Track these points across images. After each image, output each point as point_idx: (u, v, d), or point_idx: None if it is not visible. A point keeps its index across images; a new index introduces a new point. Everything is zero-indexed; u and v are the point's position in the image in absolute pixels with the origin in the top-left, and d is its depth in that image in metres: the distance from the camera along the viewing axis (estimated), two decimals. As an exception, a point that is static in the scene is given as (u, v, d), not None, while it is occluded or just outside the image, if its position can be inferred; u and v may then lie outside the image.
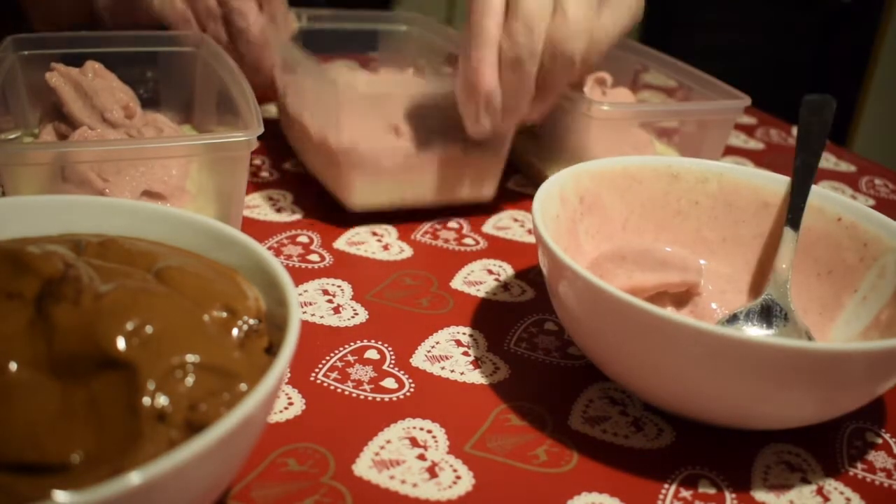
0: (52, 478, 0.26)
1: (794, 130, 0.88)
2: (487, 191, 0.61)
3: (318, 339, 0.45)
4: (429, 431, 0.39)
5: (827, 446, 0.40)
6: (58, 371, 0.29)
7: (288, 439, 0.37)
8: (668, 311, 0.34)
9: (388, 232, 0.57)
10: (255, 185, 0.63)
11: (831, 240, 0.47)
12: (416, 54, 0.72)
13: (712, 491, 0.37)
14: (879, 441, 0.41)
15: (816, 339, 0.45)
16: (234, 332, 0.33)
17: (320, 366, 0.43)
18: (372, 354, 0.44)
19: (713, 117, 0.64)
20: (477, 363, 0.44)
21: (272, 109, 0.76)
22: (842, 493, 0.38)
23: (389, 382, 0.42)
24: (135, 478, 0.23)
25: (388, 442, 0.38)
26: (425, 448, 0.38)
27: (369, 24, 0.71)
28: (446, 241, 0.57)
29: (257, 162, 0.66)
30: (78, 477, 0.26)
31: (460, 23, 0.82)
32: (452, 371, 0.43)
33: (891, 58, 1.73)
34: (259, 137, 0.47)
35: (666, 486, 0.37)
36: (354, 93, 0.53)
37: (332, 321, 0.47)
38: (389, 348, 0.45)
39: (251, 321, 0.33)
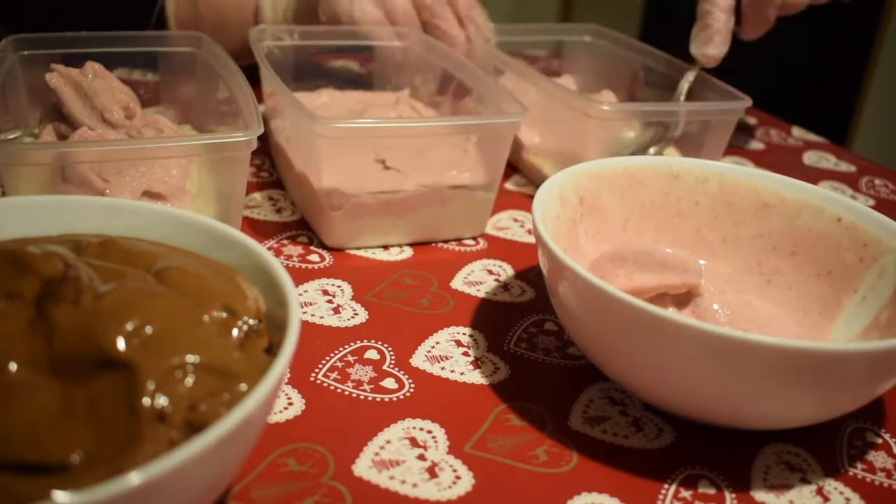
0: (52, 478, 0.26)
1: (794, 130, 0.88)
2: (476, 229, 0.58)
3: (318, 339, 0.45)
4: (429, 431, 0.39)
5: (827, 446, 0.40)
6: (58, 371, 0.29)
7: (288, 439, 0.37)
8: (669, 312, 0.34)
9: (388, 232, 0.57)
10: (255, 185, 0.63)
11: (831, 240, 0.47)
12: (412, 72, 0.71)
13: (712, 491, 0.37)
14: (879, 441, 0.41)
15: (816, 340, 0.45)
16: (234, 332, 0.33)
17: (320, 366, 0.43)
18: (372, 354, 0.44)
19: (715, 118, 0.64)
20: (477, 363, 0.44)
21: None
22: (841, 493, 0.38)
23: (389, 382, 0.42)
24: (135, 478, 0.23)
25: (388, 442, 0.38)
26: (425, 448, 0.38)
27: (364, 40, 0.71)
28: (445, 240, 0.57)
29: (257, 162, 0.66)
30: (78, 477, 0.26)
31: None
32: (452, 371, 0.43)
33: (891, 58, 1.73)
34: (259, 137, 0.47)
35: (666, 486, 0.37)
36: (333, 130, 0.50)
37: (332, 321, 0.47)
38: (389, 348, 0.45)
39: (251, 321, 0.33)
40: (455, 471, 0.37)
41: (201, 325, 0.32)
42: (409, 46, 0.70)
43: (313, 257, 0.54)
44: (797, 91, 1.42)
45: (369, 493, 0.35)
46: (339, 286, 0.50)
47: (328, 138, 0.50)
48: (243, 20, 0.74)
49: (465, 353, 0.45)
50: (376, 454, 0.37)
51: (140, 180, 0.48)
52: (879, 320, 0.43)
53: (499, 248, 0.57)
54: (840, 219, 0.47)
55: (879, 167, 0.80)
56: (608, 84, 0.75)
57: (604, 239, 0.49)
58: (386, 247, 0.55)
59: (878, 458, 0.40)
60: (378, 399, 0.41)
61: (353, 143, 0.53)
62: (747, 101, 0.62)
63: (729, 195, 0.50)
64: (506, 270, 0.54)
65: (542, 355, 0.45)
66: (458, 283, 0.52)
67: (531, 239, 0.59)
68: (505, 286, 0.52)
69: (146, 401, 0.28)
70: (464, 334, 0.47)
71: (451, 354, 0.45)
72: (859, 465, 0.39)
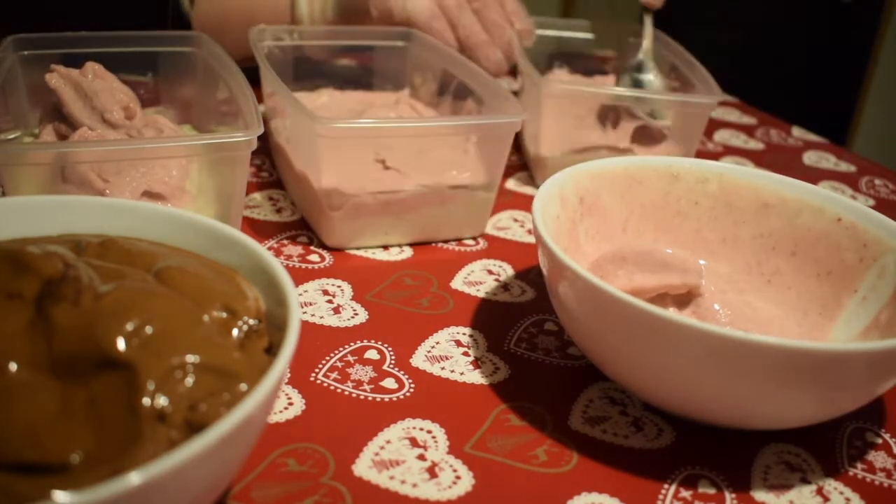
0: (52, 478, 0.26)
1: (794, 130, 0.88)
2: (476, 229, 0.58)
3: (318, 339, 0.45)
4: (429, 431, 0.39)
5: (827, 446, 0.40)
6: (58, 371, 0.29)
7: (288, 439, 0.37)
8: (669, 312, 0.34)
9: (388, 232, 0.57)
10: (255, 185, 0.63)
11: (831, 240, 0.47)
12: (412, 72, 0.71)
13: (712, 491, 0.37)
14: (879, 441, 0.41)
15: (816, 340, 0.45)
16: (234, 332, 0.33)
17: (320, 366, 0.43)
18: (372, 354, 0.44)
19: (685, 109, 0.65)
20: (477, 363, 0.44)
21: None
22: (841, 493, 0.38)
23: (389, 382, 0.42)
24: (135, 478, 0.23)
25: (388, 442, 0.38)
26: (425, 448, 0.38)
27: (365, 40, 0.71)
28: (445, 240, 0.57)
29: (257, 162, 0.66)
30: (78, 477, 0.26)
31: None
32: (452, 371, 0.43)
33: (891, 58, 1.73)
34: (259, 137, 0.47)
35: (666, 486, 0.37)
36: (333, 130, 0.50)
37: (332, 321, 0.47)
38: (389, 348, 0.45)
39: (251, 321, 0.33)
40: (455, 471, 0.37)
41: (201, 325, 0.32)
42: (409, 46, 0.70)
43: (313, 257, 0.54)
44: (797, 91, 1.42)
45: (369, 493, 0.35)
46: (339, 286, 0.50)
47: (328, 138, 0.50)
48: (277, 19, 0.72)
49: (465, 353, 0.45)
50: (376, 454, 0.37)
51: (140, 180, 0.48)
52: (879, 320, 0.43)
53: (499, 248, 0.57)
54: (840, 219, 0.47)
55: (879, 167, 0.80)
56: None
57: (604, 239, 0.49)
58: (386, 247, 0.55)
59: (878, 458, 0.40)
60: (378, 399, 0.41)
61: (354, 143, 0.53)
62: (717, 97, 0.63)
63: (729, 195, 0.50)
64: (506, 270, 0.54)
65: (542, 355, 0.45)
66: (458, 283, 0.52)
67: (531, 239, 0.59)
68: (505, 286, 0.52)
69: (146, 401, 0.28)
70: (464, 334, 0.47)
71: (451, 354, 0.45)
72: (859, 465, 0.39)
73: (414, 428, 0.39)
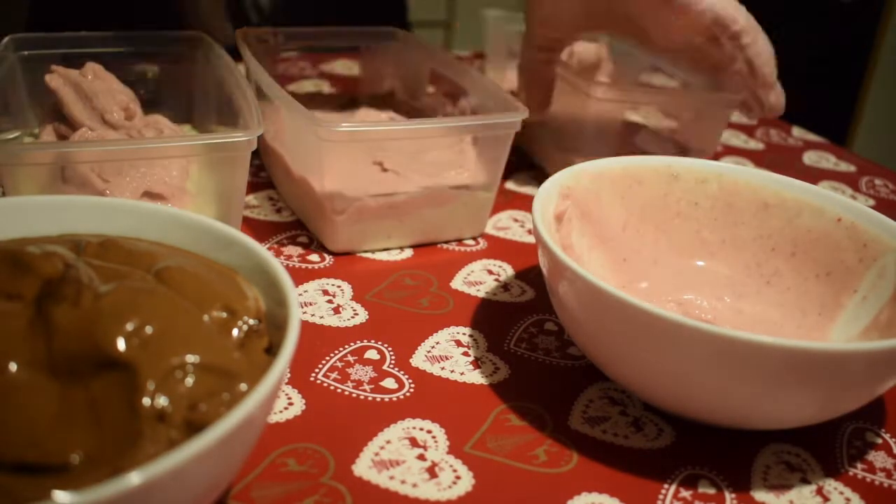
0: (52, 478, 0.26)
1: (794, 130, 0.88)
2: (476, 229, 0.58)
3: (318, 339, 0.45)
4: (429, 431, 0.39)
5: (827, 446, 0.40)
6: (57, 371, 0.29)
7: (288, 439, 0.37)
8: (669, 312, 0.34)
9: (388, 232, 0.57)
10: (255, 185, 0.63)
11: (831, 240, 0.47)
12: (398, 72, 0.70)
13: (712, 491, 0.37)
14: (879, 441, 0.41)
15: (816, 340, 0.45)
16: (234, 332, 0.33)
17: (320, 366, 0.43)
18: (372, 355, 0.44)
19: (709, 107, 0.65)
20: (477, 363, 0.44)
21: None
22: (841, 493, 0.38)
23: (389, 382, 0.42)
24: (135, 478, 0.23)
25: (388, 442, 0.38)
26: (425, 448, 0.38)
27: (350, 40, 0.71)
28: (446, 241, 0.57)
29: (257, 162, 0.66)
30: (78, 477, 0.26)
31: (460, 24, 0.82)
32: (452, 371, 0.43)
33: (891, 58, 1.73)
34: (259, 137, 0.47)
35: (666, 486, 0.37)
36: (336, 134, 0.49)
37: (332, 321, 0.47)
38: (389, 348, 0.45)
39: (251, 321, 0.33)
40: (455, 471, 0.37)
41: (201, 325, 0.32)
42: (394, 46, 0.70)
43: (313, 257, 0.54)
44: (797, 91, 1.42)
45: (369, 493, 0.35)
46: (339, 286, 0.50)
47: (331, 142, 0.50)
48: None
49: (465, 353, 0.45)
50: (376, 454, 0.37)
51: (140, 181, 0.48)
52: (879, 320, 0.43)
53: (499, 248, 0.57)
54: (840, 219, 0.47)
55: (879, 167, 0.80)
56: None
57: (603, 240, 0.49)
58: (386, 247, 0.55)
59: (878, 458, 0.40)
60: (378, 399, 0.41)
61: (355, 146, 0.53)
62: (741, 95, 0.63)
63: (729, 195, 0.50)
64: (506, 270, 0.54)
65: (542, 355, 0.45)
66: (458, 283, 0.52)
67: (531, 239, 0.59)
68: (505, 286, 0.52)
69: (146, 401, 0.28)
70: (464, 334, 0.47)
71: (451, 354, 0.45)
72: (859, 465, 0.39)
73: (414, 428, 0.39)
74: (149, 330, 0.30)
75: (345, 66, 0.83)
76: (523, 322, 0.49)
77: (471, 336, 0.47)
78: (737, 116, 0.91)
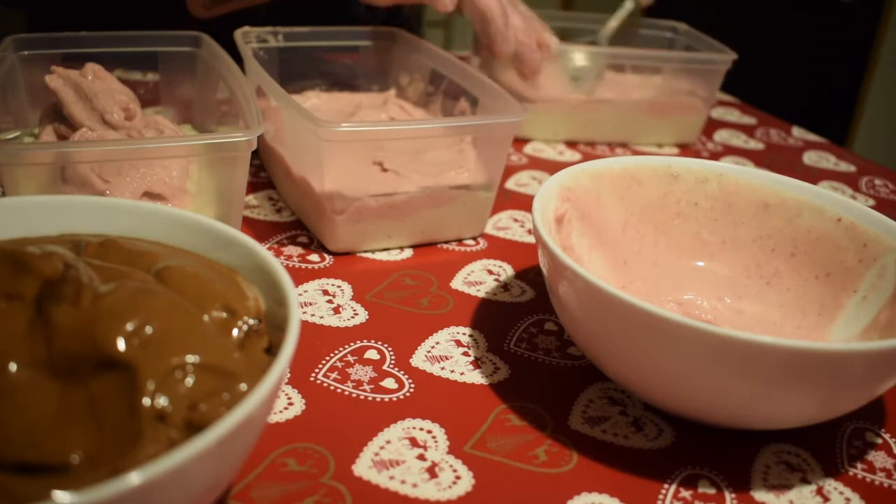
0: (52, 478, 0.26)
1: (794, 130, 0.88)
2: (476, 229, 0.58)
3: (318, 339, 0.45)
4: (429, 431, 0.39)
5: (827, 446, 0.40)
6: (58, 371, 0.29)
7: (288, 439, 0.37)
8: (669, 312, 0.34)
9: (388, 232, 0.57)
10: (255, 185, 0.63)
11: (831, 241, 0.47)
12: (399, 71, 0.70)
13: (712, 491, 0.37)
14: (879, 441, 0.41)
15: (816, 340, 0.45)
16: (234, 332, 0.33)
17: (320, 366, 0.43)
18: (372, 354, 0.44)
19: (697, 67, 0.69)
20: (477, 363, 0.44)
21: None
22: (841, 493, 0.38)
23: (389, 382, 0.42)
24: (135, 478, 0.23)
25: (388, 442, 0.38)
26: (425, 448, 0.38)
27: (350, 40, 0.71)
28: (446, 241, 0.57)
29: (257, 162, 0.66)
30: (78, 477, 0.26)
31: (459, 25, 0.82)
32: (452, 371, 0.43)
33: (891, 58, 1.73)
34: (259, 137, 0.47)
35: (666, 486, 0.37)
36: (336, 134, 0.49)
37: (332, 321, 0.47)
38: (389, 348, 0.45)
39: (251, 321, 0.33)
40: (455, 471, 0.37)
41: (201, 325, 0.32)
42: (394, 46, 0.70)
43: (313, 257, 0.54)
44: (797, 91, 1.42)
45: (369, 493, 0.35)
46: (339, 286, 0.50)
47: (332, 142, 0.50)
48: None
49: (465, 353, 0.45)
50: (376, 454, 0.37)
51: (140, 181, 0.48)
52: (879, 320, 0.43)
53: (499, 248, 0.57)
54: (840, 219, 0.47)
55: (879, 167, 0.80)
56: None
57: (603, 240, 0.49)
58: (386, 247, 0.55)
59: (878, 458, 0.40)
60: (378, 399, 0.41)
61: (355, 147, 0.53)
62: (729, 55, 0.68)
63: (729, 195, 0.50)
64: (506, 270, 0.54)
65: (542, 355, 0.45)
66: (458, 283, 0.52)
67: (531, 239, 0.59)
68: (505, 286, 0.52)
69: (146, 401, 0.28)
70: (464, 334, 0.47)
71: (451, 354, 0.45)
72: (859, 465, 0.39)
73: (414, 428, 0.39)
74: (149, 330, 0.30)
75: (345, 67, 0.82)
76: (523, 322, 0.49)
77: (471, 336, 0.47)
78: (737, 116, 0.91)
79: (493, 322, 0.48)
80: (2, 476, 0.26)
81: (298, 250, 0.54)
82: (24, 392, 0.28)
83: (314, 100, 0.67)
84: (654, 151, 0.78)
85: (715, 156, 0.78)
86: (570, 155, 0.75)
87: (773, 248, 0.49)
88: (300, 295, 0.49)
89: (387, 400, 0.41)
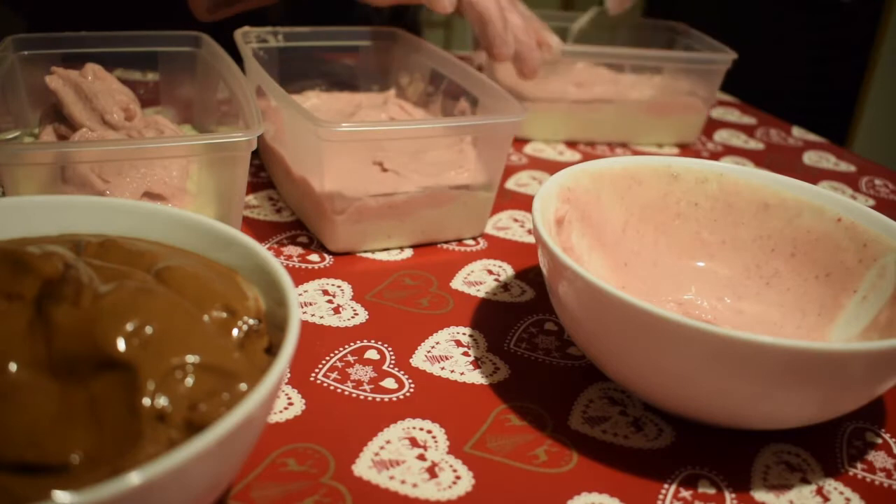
0: (52, 478, 0.26)
1: (794, 130, 0.88)
2: (476, 229, 0.58)
3: (318, 339, 0.45)
4: (429, 431, 0.39)
5: (827, 446, 0.40)
6: (58, 371, 0.29)
7: (288, 439, 0.37)
8: (669, 312, 0.34)
9: (388, 232, 0.57)
10: (255, 185, 0.63)
11: (831, 241, 0.47)
12: (398, 71, 0.70)
13: (712, 491, 0.37)
14: (879, 441, 0.41)
15: (816, 341, 0.45)
16: (234, 332, 0.33)
17: (320, 366, 0.43)
18: (372, 354, 0.44)
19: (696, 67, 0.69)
20: (477, 363, 0.44)
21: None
22: (841, 493, 0.38)
23: (389, 382, 0.42)
24: (135, 478, 0.23)
25: (388, 442, 0.38)
26: (425, 448, 0.38)
27: (350, 40, 0.71)
28: (446, 241, 0.57)
29: (257, 162, 0.66)
30: (78, 477, 0.26)
31: (459, 25, 0.83)
32: (452, 371, 0.43)
33: (891, 58, 1.73)
34: (259, 137, 0.47)
35: (666, 486, 0.37)
36: (336, 134, 0.49)
37: (332, 321, 0.47)
38: (389, 348, 0.45)
39: (251, 321, 0.33)
40: (455, 471, 0.37)
41: (201, 325, 0.32)
42: (394, 46, 0.70)
43: (313, 257, 0.54)
44: (797, 91, 1.42)
45: (369, 493, 0.35)
46: (339, 286, 0.50)
47: (332, 142, 0.50)
48: None
49: (465, 353, 0.45)
50: (376, 454, 0.37)
51: (140, 181, 0.48)
52: (879, 320, 0.43)
53: (499, 248, 0.57)
54: (840, 219, 0.47)
55: (879, 167, 0.80)
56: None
57: (603, 241, 0.49)
58: (386, 247, 0.55)
59: (878, 458, 0.40)
60: (378, 399, 0.41)
61: (355, 147, 0.53)
62: (731, 55, 0.67)
63: (729, 195, 0.50)
64: (506, 270, 0.54)
65: (542, 355, 0.45)
66: (458, 283, 0.52)
67: (531, 239, 0.59)
68: (505, 286, 0.52)
69: (146, 401, 0.28)
70: (464, 334, 0.47)
71: (451, 354, 0.45)
72: (859, 465, 0.39)
73: (414, 428, 0.39)
74: (149, 330, 0.30)
75: (345, 67, 0.83)
76: (523, 322, 0.49)
77: (471, 336, 0.47)
78: (737, 116, 0.91)
79: (493, 322, 0.48)
80: (2, 476, 0.26)
81: (298, 250, 0.54)
82: (24, 392, 0.28)
83: (314, 100, 0.67)
84: (654, 151, 0.78)
85: (715, 156, 0.78)
86: (570, 155, 0.75)
87: (773, 249, 0.49)
88: (300, 295, 0.49)
89: (387, 400, 0.41)
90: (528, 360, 0.45)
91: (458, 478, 0.36)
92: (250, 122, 0.48)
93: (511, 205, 0.64)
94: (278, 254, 0.53)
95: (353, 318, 0.47)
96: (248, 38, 0.64)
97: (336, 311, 0.48)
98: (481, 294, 0.51)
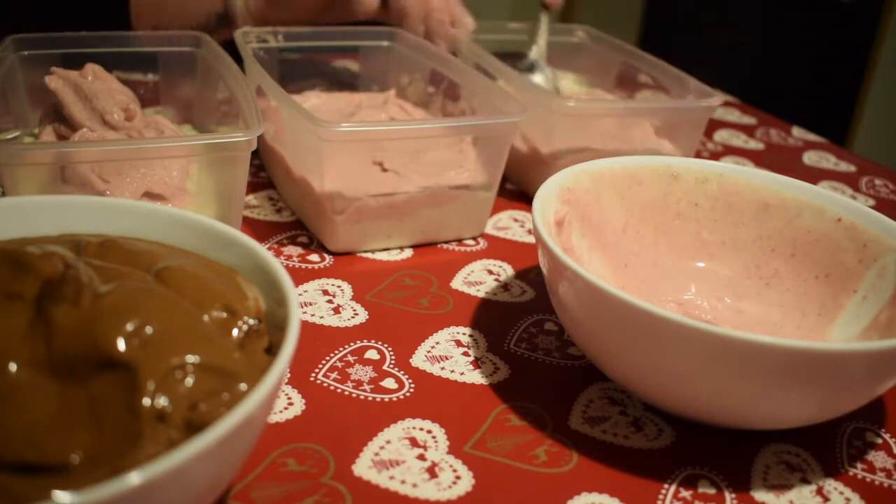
0: (52, 478, 0.26)
1: (794, 130, 0.88)
2: (476, 229, 0.58)
3: (318, 339, 0.45)
4: (429, 431, 0.39)
5: (827, 446, 0.40)
6: (57, 371, 0.29)
7: (288, 439, 0.37)
8: (669, 312, 0.34)
9: (388, 232, 0.57)
10: (255, 185, 0.63)
11: (830, 241, 0.47)
12: (399, 71, 0.70)
13: (712, 491, 0.37)
14: (879, 441, 0.41)
15: (816, 341, 0.45)
16: (234, 332, 0.33)
17: (320, 366, 0.43)
18: (372, 355, 0.44)
19: (679, 116, 0.65)
20: (477, 363, 0.44)
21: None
22: (841, 493, 0.38)
23: (389, 382, 0.42)
24: (135, 478, 0.23)
25: (388, 442, 0.38)
26: (425, 448, 0.38)
27: (350, 40, 0.71)
28: (446, 241, 0.57)
29: (257, 162, 0.66)
30: (78, 477, 0.26)
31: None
32: (452, 371, 0.43)
33: (891, 58, 1.73)
34: (259, 137, 0.47)
35: (666, 486, 0.37)
36: (336, 134, 0.49)
37: (332, 321, 0.47)
38: (389, 348, 0.45)
39: (251, 321, 0.33)
40: (455, 471, 0.37)
41: (201, 325, 0.32)
42: (394, 46, 0.70)
43: (313, 257, 0.54)
44: (797, 91, 1.42)
45: (369, 493, 0.35)
46: (339, 286, 0.50)
47: (332, 142, 0.50)
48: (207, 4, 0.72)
49: (465, 353, 0.45)
50: (376, 454, 0.37)
51: (140, 181, 0.48)
52: (879, 320, 0.43)
53: (499, 248, 0.57)
54: (840, 219, 0.47)
55: (879, 167, 0.80)
56: (598, 84, 0.76)
57: (603, 241, 0.49)
58: (386, 247, 0.55)
59: (878, 458, 0.40)
60: (378, 399, 0.41)
61: (355, 147, 0.53)
62: (717, 100, 0.63)
63: (729, 195, 0.50)
64: (506, 270, 0.54)
65: (542, 355, 0.45)
66: (458, 283, 0.52)
67: (531, 239, 0.59)
68: (505, 286, 0.52)
69: (146, 401, 0.28)
70: (464, 334, 0.47)
71: (451, 354, 0.45)
72: (859, 465, 0.39)
73: (414, 428, 0.39)
74: (149, 330, 0.30)
75: (345, 67, 0.83)
76: (523, 322, 0.49)
77: (471, 336, 0.47)
78: (737, 116, 0.91)
79: (493, 322, 0.48)
80: (2, 476, 0.26)
81: (298, 250, 0.54)
82: (24, 392, 0.28)
83: (314, 100, 0.67)
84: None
85: (715, 156, 0.78)
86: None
87: (773, 249, 0.49)
88: (300, 295, 0.49)
89: (387, 400, 0.41)
90: (528, 360, 0.45)
91: (458, 478, 0.36)
92: (250, 122, 0.48)
93: (511, 205, 0.64)
94: (278, 254, 0.53)
95: (353, 318, 0.47)
96: (248, 38, 0.65)
97: (336, 311, 0.48)
98: (481, 294, 0.51)
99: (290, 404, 0.40)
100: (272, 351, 0.34)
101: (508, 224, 0.61)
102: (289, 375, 0.42)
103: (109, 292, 0.31)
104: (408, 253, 0.55)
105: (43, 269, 0.31)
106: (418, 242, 0.56)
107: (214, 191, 0.50)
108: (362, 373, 0.43)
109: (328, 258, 0.54)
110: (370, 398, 0.41)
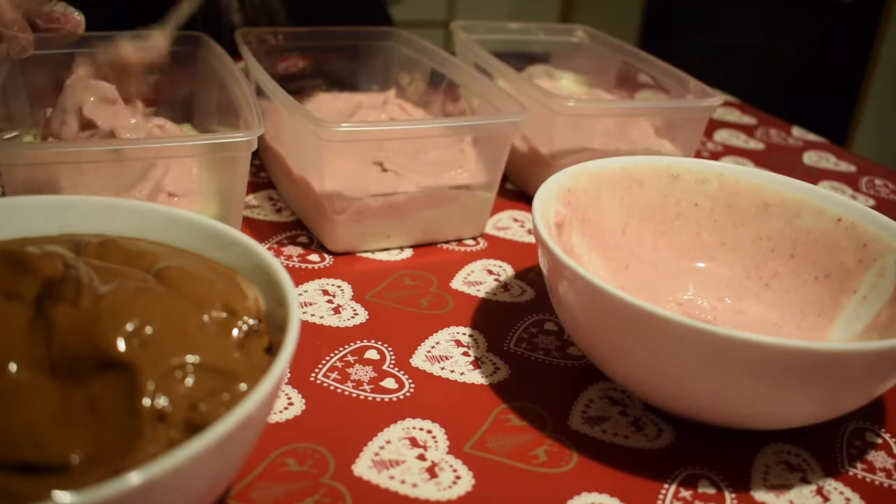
0: (52, 478, 0.26)
1: (794, 130, 0.88)
2: (476, 229, 0.58)
3: (318, 339, 0.45)
4: (429, 431, 0.39)
5: (827, 446, 0.40)
6: (57, 372, 0.29)
7: (288, 439, 0.37)
8: (669, 312, 0.34)
9: (388, 232, 0.57)
10: (255, 185, 0.63)
11: (830, 241, 0.47)
12: (398, 71, 0.70)
13: (712, 491, 0.37)
14: (879, 441, 0.41)
15: (816, 341, 0.45)
16: (234, 332, 0.33)
17: (320, 366, 0.43)
18: (372, 354, 0.44)
19: (679, 115, 0.64)
20: (477, 363, 0.44)
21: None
22: (841, 493, 0.38)
23: (389, 382, 0.42)
24: (135, 478, 0.23)
25: (388, 442, 0.38)
26: (425, 448, 0.38)
27: (350, 40, 0.71)
28: (446, 241, 0.57)
29: (257, 162, 0.66)
30: (78, 477, 0.26)
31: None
32: (452, 371, 0.43)
33: (891, 58, 1.73)
34: (259, 137, 0.47)
35: (666, 486, 0.37)
36: (336, 134, 0.49)
37: (332, 321, 0.47)
38: (389, 348, 0.45)
39: (251, 321, 0.33)
40: (455, 471, 0.37)
41: (201, 325, 0.32)
42: (394, 46, 0.70)
43: (313, 257, 0.54)
44: (797, 91, 1.42)
45: (369, 493, 0.35)
46: (338, 286, 0.50)
47: (332, 142, 0.50)
48: None
49: (465, 353, 0.45)
50: (376, 454, 0.37)
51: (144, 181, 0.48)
52: (879, 320, 0.43)
53: (499, 248, 0.57)
54: (840, 219, 0.47)
55: (879, 167, 0.80)
56: (598, 84, 0.76)
57: (603, 241, 0.49)
58: (386, 247, 0.55)
59: (878, 458, 0.40)
60: (378, 399, 0.41)
61: (355, 147, 0.53)
62: (717, 100, 0.63)
63: (729, 196, 0.50)
64: (506, 270, 0.54)
65: (542, 355, 0.45)
66: (458, 283, 0.52)
67: (531, 239, 0.59)
68: (505, 286, 0.52)
69: (146, 401, 0.28)
70: (464, 334, 0.47)
71: (451, 354, 0.45)
72: (859, 465, 0.39)
73: (414, 428, 0.39)
74: (149, 330, 0.30)
75: (345, 67, 0.83)
76: (523, 322, 0.49)
77: (471, 336, 0.47)
78: (737, 116, 0.91)
79: (493, 322, 0.48)
80: (2, 476, 0.26)
81: (298, 250, 0.54)
82: (24, 392, 0.28)
83: (314, 100, 0.67)
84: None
85: (715, 156, 0.78)
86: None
87: (773, 250, 0.49)
88: (300, 295, 0.49)
89: (387, 400, 0.41)
90: (528, 360, 0.45)
91: (458, 478, 0.36)
92: (250, 122, 0.48)
93: (511, 205, 0.64)
94: (278, 254, 0.53)
95: (353, 318, 0.47)
96: (248, 38, 0.65)
97: (336, 311, 0.48)
98: (481, 294, 0.51)
99: (290, 404, 0.40)
100: (272, 351, 0.34)
101: (508, 224, 0.61)
102: (289, 375, 0.42)
103: (109, 292, 0.31)
104: (408, 253, 0.55)
105: (43, 269, 0.31)
106: (418, 242, 0.56)
107: (214, 191, 0.50)
108: (362, 373, 0.43)
109: (328, 258, 0.54)
110: (370, 398, 0.41)
